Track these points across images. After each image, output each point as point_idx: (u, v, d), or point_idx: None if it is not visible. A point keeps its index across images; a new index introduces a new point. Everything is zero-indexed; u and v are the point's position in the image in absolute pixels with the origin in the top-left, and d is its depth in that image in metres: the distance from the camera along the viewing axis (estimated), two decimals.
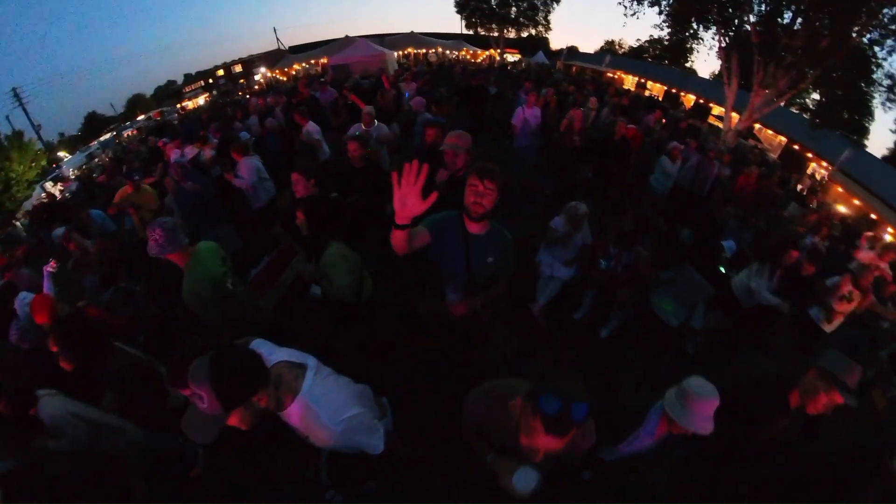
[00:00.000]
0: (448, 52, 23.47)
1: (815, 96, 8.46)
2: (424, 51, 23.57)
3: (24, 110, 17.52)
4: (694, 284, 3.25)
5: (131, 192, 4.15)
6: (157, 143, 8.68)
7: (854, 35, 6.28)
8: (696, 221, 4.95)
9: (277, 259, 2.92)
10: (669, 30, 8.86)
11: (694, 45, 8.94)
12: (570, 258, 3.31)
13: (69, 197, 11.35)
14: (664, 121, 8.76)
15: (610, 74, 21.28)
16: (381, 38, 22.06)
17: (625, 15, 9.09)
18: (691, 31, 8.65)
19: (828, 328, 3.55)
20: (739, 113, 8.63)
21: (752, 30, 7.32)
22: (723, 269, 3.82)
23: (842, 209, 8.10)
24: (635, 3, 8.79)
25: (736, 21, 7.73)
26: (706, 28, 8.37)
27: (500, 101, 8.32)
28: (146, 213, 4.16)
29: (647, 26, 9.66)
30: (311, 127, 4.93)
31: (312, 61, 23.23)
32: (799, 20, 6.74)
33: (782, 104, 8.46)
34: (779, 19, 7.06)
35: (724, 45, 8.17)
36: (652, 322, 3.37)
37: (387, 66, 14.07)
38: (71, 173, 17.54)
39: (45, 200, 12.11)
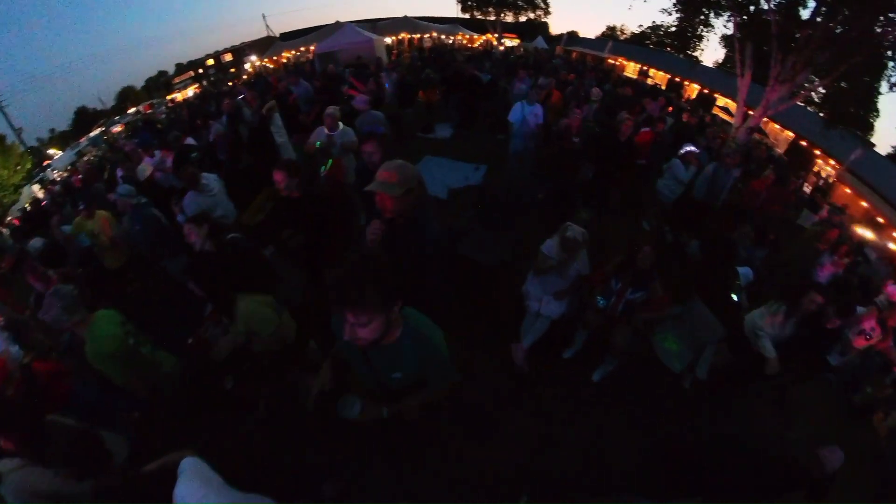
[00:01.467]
0: (444, 36, 22.54)
1: (821, 90, 7.88)
2: (419, 36, 22.60)
3: (4, 113, 17.02)
4: (704, 323, 2.88)
5: (87, 220, 3.82)
6: (125, 147, 8.20)
7: (879, 30, 5.73)
8: (706, 233, 4.54)
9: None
10: (679, 15, 8.24)
11: (704, 33, 8.32)
12: (563, 290, 2.94)
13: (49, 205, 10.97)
14: (670, 108, 8.20)
15: (612, 61, 20.44)
16: (373, 24, 21.15)
17: None
18: (701, 17, 8.03)
19: (836, 361, 3.25)
20: (750, 107, 8.09)
21: (772, 20, 6.73)
22: (735, 297, 3.47)
23: (858, 222, 7.63)
24: None
25: (752, 8, 7.12)
26: (717, 14, 7.76)
27: (494, 91, 7.77)
28: (104, 239, 3.86)
29: (652, 10, 9.08)
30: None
31: (303, 48, 22.37)
32: (823, 10, 6.14)
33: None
34: (799, 8, 6.46)
35: (737, 33, 7.55)
36: (650, 361, 3.04)
37: (374, 54, 13.39)
38: (56, 175, 17.14)
39: (27, 208, 11.75)
